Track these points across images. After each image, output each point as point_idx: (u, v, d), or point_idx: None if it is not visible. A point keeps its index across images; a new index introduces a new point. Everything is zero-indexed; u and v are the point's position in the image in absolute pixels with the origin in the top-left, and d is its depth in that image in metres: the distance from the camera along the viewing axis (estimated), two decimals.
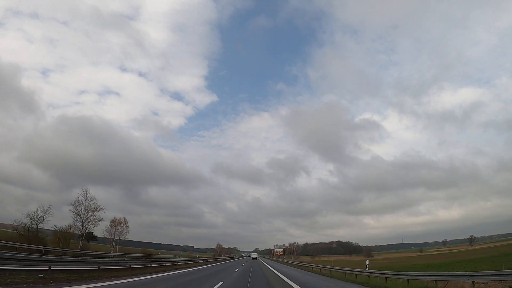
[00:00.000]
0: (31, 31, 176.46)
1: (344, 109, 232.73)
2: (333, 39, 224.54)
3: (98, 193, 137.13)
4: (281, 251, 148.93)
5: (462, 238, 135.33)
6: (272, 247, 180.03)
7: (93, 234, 50.83)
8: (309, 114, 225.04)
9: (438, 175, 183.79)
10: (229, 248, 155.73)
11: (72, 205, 39.99)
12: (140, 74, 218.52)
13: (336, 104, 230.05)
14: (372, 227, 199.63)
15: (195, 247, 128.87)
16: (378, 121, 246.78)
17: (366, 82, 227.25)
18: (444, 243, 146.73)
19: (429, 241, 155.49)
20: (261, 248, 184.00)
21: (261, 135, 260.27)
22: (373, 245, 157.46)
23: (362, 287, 17.15)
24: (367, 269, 25.20)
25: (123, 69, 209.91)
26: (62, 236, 36.13)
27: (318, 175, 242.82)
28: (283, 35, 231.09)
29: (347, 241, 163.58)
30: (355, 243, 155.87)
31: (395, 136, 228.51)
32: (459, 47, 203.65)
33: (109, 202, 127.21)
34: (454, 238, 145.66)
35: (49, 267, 12.34)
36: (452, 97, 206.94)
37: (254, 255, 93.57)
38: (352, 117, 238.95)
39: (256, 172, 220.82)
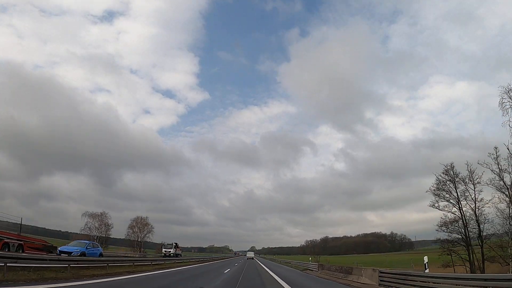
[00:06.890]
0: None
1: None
2: None
3: (71, 183, 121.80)
4: None
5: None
6: (271, 246, 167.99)
7: None
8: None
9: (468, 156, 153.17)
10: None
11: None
12: (132, 71, 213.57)
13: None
14: (374, 225, 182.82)
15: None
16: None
17: None
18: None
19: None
20: (258, 247, 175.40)
21: (251, 130, 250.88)
22: None
23: None
24: None
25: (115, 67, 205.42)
26: None
27: (322, 159, 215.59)
28: None
29: (388, 232, 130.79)
30: (401, 235, 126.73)
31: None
32: None
33: (85, 194, 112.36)
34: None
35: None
36: None
37: (250, 254, 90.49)
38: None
39: (251, 150, 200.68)
